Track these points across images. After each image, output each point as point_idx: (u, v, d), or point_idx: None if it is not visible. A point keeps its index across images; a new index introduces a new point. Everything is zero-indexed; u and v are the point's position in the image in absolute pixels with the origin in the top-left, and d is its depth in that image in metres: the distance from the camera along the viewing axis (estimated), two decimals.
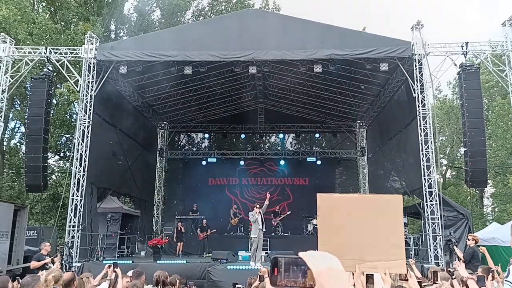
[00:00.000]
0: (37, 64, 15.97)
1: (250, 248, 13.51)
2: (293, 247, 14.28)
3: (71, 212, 11.97)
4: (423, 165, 12.00)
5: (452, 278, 4.65)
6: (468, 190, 24.35)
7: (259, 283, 4.85)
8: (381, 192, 14.47)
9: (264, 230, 11.27)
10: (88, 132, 12.52)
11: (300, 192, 19.74)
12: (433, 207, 11.74)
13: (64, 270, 8.82)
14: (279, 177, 20.43)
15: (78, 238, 11.78)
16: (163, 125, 20.56)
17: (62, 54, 13.02)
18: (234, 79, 16.92)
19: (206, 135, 21.23)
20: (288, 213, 17.15)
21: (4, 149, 22.96)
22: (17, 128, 24.12)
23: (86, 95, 12.66)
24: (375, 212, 1.27)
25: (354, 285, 1.30)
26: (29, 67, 13.19)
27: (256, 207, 11.01)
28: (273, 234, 16.75)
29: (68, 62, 12.98)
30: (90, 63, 12.74)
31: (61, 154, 23.65)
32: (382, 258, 1.22)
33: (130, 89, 15.63)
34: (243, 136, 20.94)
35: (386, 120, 16.57)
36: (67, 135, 22.90)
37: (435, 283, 4.25)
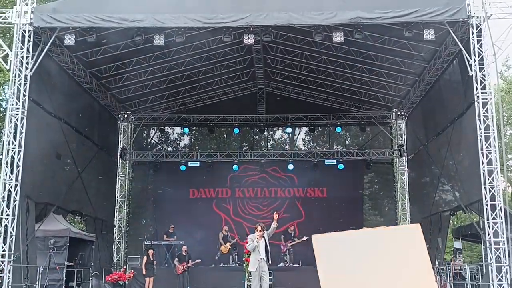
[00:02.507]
0: None
1: (248, 285, 13.50)
2: (306, 283, 14.25)
3: (0, 237, 11.93)
4: (484, 170, 11.97)
5: None
6: None
7: None
8: (426, 206, 14.45)
9: (270, 262, 11.14)
10: (22, 127, 12.46)
11: (315, 208, 19.74)
12: (497, 227, 11.71)
13: None
14: (287, 187, 20.41)
15: (9, 272, 11.72)
16: (126, 116, 20.54)
17: None
18: (224, 53, 16.86)
19: (186, 130, 21.21)
20: (304, 238, 17.06)
21: None
22: None
23: (19, 76, 12.59)
24: (388, 249, 1.28)
25: None
26: None
27: (257, 230, 10.86)
28: (277, 265, 16.74)
29: None
30: (24, 31, 12.66)
31: None
32: None
33: (80, 67, 15.60)
34: (236, 130, 20.93)
35: (433, 108, 16.55)
36: None
37: None
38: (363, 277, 1.28)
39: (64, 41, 13.09)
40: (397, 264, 1.24)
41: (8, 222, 11.99)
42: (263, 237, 10.66)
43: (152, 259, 15.76)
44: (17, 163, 12.28)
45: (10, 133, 12.43)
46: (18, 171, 12.27)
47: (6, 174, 12.21)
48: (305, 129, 21.46)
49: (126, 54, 15.26)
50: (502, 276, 11.50)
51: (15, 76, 12.59)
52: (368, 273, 1.27)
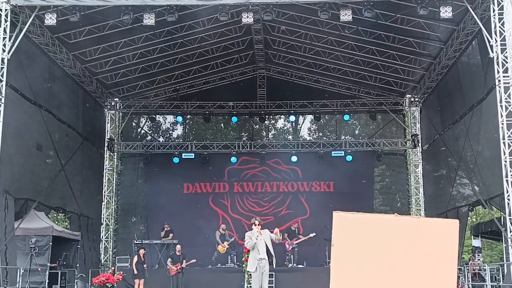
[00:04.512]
0: None
1: (248, 287, 13.57)
2: (310, 285, 14.29)
3: None
4: (505, 161, 11.97)
5: None
6: None
7: None
8: (442, 201, 14.49)
9: (273, 266, 11.13)
10: None
11: (321, 203, 19.66)
12: None
13: None
14: (290, 180, 20.43)
15: None
16: (113, 103, 20.53)
17: None
18: (220, 33, 16.84)
19: (179, 119, 21.20)
20: (312, 235, 17.16)
21: None
22: None
23: None
24: (417, 242, 1.28)
25: None
26: None
27: (255, 224, 10.89)
28: (280, 266, 16.79)
29: None
30: (1, 10, 12.61)
31: None
32: None
33: (63, 50, 15.58)
34: (235, 119, 20.91)
35: (450, 93, 16.53)
36: None
37: None
38: (380, 263, 1.28)
39: (45, 20, 13.07)
40: (421, 257, 1.24)
41: None
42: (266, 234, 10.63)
43: (142, 259, 15.79)
44: None
45: None
46: None
47: None
48: (310, 117, 21.47)
49: (113, 35, 15.22)
50: None
51: None
52: (386, 260, 1.27)
